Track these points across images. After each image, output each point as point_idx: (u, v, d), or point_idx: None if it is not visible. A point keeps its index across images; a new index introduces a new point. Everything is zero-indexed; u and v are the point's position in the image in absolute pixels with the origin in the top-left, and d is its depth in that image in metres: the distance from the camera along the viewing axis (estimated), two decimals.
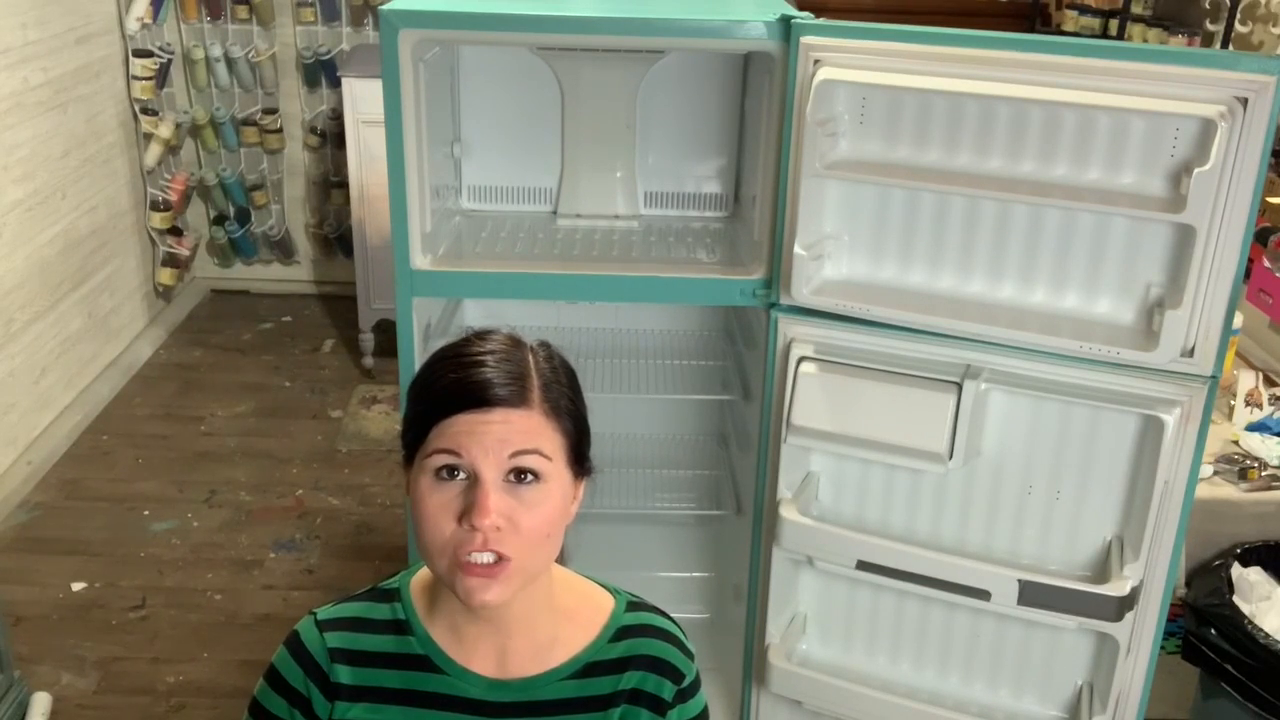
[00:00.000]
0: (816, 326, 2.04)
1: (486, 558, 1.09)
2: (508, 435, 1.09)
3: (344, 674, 1.21)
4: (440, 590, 1.19)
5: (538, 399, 1.12)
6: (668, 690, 1.23)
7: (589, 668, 1.21)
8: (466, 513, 1.08)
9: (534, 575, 1.15)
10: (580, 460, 1.18)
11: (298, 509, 3.66)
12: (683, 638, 1.27)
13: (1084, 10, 4.36)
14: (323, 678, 1.21)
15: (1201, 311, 1.79)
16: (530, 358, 1.15)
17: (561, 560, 1.23)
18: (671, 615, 1.29)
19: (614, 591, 1.28)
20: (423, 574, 1.24)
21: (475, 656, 1.21)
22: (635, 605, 1.27)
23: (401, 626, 1.23)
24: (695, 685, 1.26)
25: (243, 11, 4.70)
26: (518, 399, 1.11)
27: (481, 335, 1.18)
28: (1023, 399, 1.95)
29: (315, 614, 1.24)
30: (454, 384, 1.11)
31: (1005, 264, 1.95)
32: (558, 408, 1.14)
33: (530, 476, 1.10)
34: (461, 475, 1.10)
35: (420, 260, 2.13)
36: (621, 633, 1.24)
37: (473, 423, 1.09)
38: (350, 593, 1.28)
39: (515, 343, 1.17)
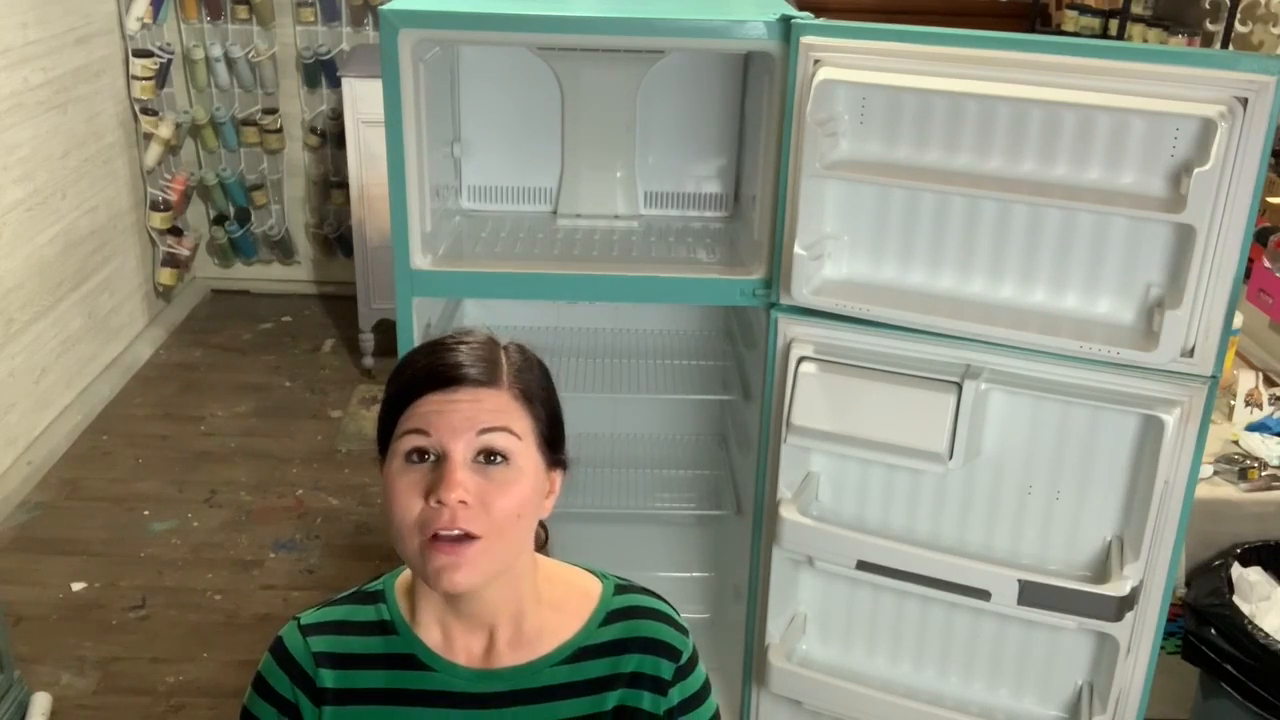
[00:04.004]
0: (816, 326, 2.04)
1: (455, 533, 1.09)
2: (476, 413, 1.10)
3: (329, 678, 1.21)
4: (424, 588, 1.19)
5: (507, 380, 1.14)
6: (666, 669, 1.22)
7: (580, 652, 1.21)
8: (433, 488, 1.08)
9: (504, 561, 1.14)
10: (554, 449, 1.19)
11: (298, 509, 3.66)
12: (675, 615, 1.27)
13: (1084, 10, 4.36)
14: (309, 683, 1.21)
15: (1201, 311, 1.79)
16: (502, 351, 1.18)
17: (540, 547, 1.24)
18: (662, 595, 1.29)
19: (601, 576, 1.28)
20: (407, 574, 1.24)
21: (462, 651, 1.21)
22: (623, 588, 1.27)
23: (386, 627, 1.23)
24: (693, 661, 1.25)
25: (243, 11, 4.70)
26: (487, 377, 1.12)
27: (457, 333, 1.20)
28: (1023, 399, 1.95)
29: (299, 619, 1.24)
30: (424, 367, 1.13)
31: (1005, 264, 1.95)
32: (528, 391, 1.15)
33: (499, 458, 1.11)
34: (431, 457, 1.10)
35: (420, 260, 2.13)
36: (612, 616, 1.23)
37: (441, 401, 1.10)
38: (334, 595, 1.28)
39: (490, 339, 1.19)
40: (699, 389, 2.75)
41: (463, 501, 1.08)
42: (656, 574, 2.88)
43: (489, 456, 1.10)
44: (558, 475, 1.21)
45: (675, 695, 1.23)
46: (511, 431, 1.12)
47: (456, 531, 1.09)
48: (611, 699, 1.20)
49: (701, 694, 1.25)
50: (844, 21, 1.93)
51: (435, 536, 1.09)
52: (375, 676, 1.21)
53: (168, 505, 3.66)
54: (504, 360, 1.15)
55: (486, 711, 1.20)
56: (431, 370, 1.12)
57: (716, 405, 2.86)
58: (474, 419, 1.10)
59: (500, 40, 2.22)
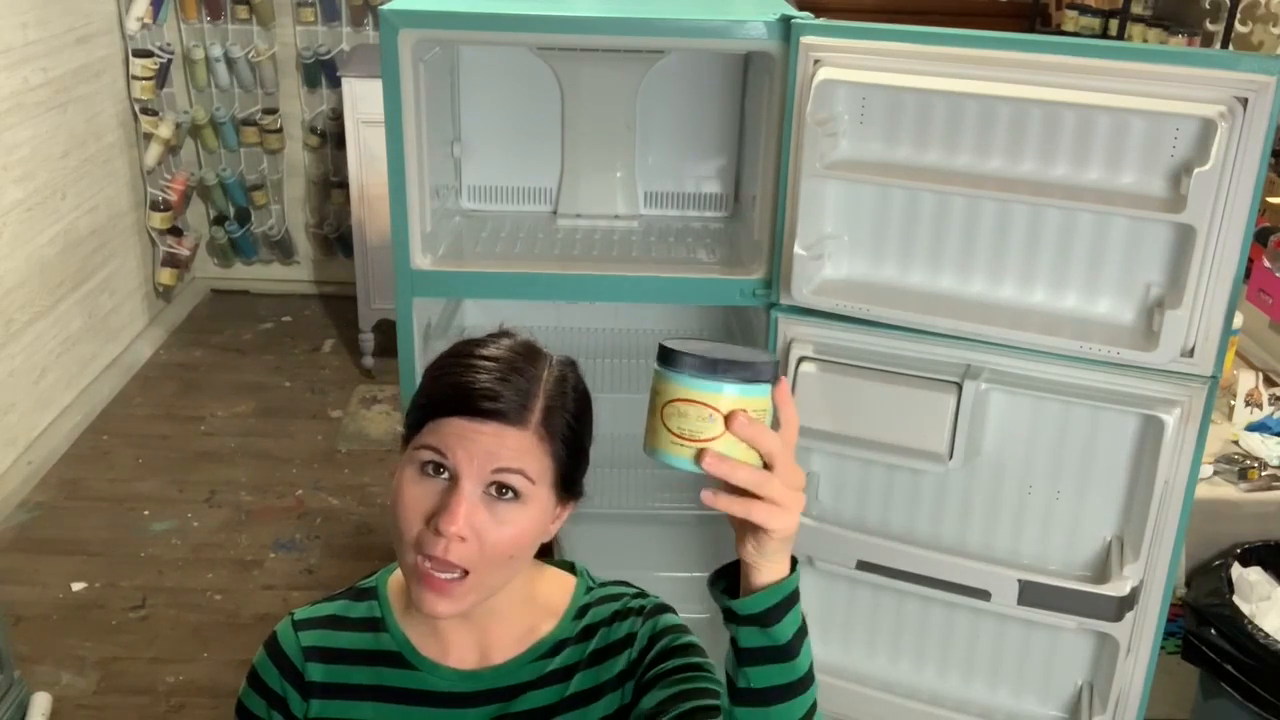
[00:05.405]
0: (816, 326, 2.04)
1: (447, 575, 1.09)
2: (496, 450, 1.08)
3: (317, 672, 1.22)
4: None
5: (535, 420, 1.11)
6: (632, 624, 1.21)
7: (555, 647, 1.22)
8: (436, 514, 1.08)
9: (491, 591, 1.14)
10: (568, 486, 1.16)
11: (298, 509, 3.66)
12: (641, 590, 1.26)
13: (1084, 10, 4.37)
14: (297, 677, 1.22)
15: (1201, 311, 1.79)
16: (543, 375, 1.14)
17: (548, 550, 1.23)
18: (634, 584, 1.28)
19: (579, 574, 1.28)
20: (400, 573, 1.24)
21: (452, 651, 1.21)
22: (595, 585, 1.28)
23: (377, 624, 1.24)
24: (661, 607, 1.24)
25: (243, 11, 4.70)
26: (514, 416, 1.10)
27: (500, 336, 1.16)
28: (1023, 399, 1.95)
29: (293, 614, 1.26)
30: (456, 386, 1.11)
31: (1005, 264, 1.95)
32: (553, 432, 1.12)
33: (509, 493, 1.10)
34: (445, 475, 1.09)
35: (420, 260, 2.13)
36: (582, 611, 1.24)
37: (465, 428, 1.08)
38: (331, 592, 1.29)
39: (531, 355, 1.15)
40: None
41: (460, 537, 1.08)
42: (656, 574, 2.88)
43: (500, 490, 1.10)
44: (570, 505, 1.19)
45: (645, 631, 1.21)
46: (526, 475, 1.10)
47: (449, 575, 1.08)
48: (571, 686, 1.21)
49: (679, 628, 1.22)
50: (844, 21, 1.93)
51: (429, 561, 1.08)
52: (362, 672, 1.22)
53: (168, 505, 3.66)
54: (539, 393, 1.12)
55: (466, 710, 1.20)
56: (461, 392, 1.10)
57: None
58: (492, 455, 1.08)
59: (500, 40, 2.22)
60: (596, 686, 1.20)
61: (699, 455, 0.91)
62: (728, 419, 0.91)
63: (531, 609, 1.23)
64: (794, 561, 0.99)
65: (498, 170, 2.58)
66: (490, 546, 1.09)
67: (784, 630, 0.97)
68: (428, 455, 1.09)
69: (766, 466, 0.93)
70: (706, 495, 0.93)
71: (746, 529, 0.95)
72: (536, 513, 1.13)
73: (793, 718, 1.00)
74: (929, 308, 1.97)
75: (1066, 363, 1.89)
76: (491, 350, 1.14)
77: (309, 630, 1.24)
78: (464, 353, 1.14)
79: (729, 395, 0.91)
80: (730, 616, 0.98)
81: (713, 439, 0.91)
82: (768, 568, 0.97)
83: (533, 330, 1.21)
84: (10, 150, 3.65)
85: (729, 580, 1.00)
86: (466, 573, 1.09)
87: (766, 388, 0.94)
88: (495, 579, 1.13)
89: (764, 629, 0.97)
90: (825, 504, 2.16)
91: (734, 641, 0.98)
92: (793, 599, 0.98)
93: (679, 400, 0.92)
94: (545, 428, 1.12)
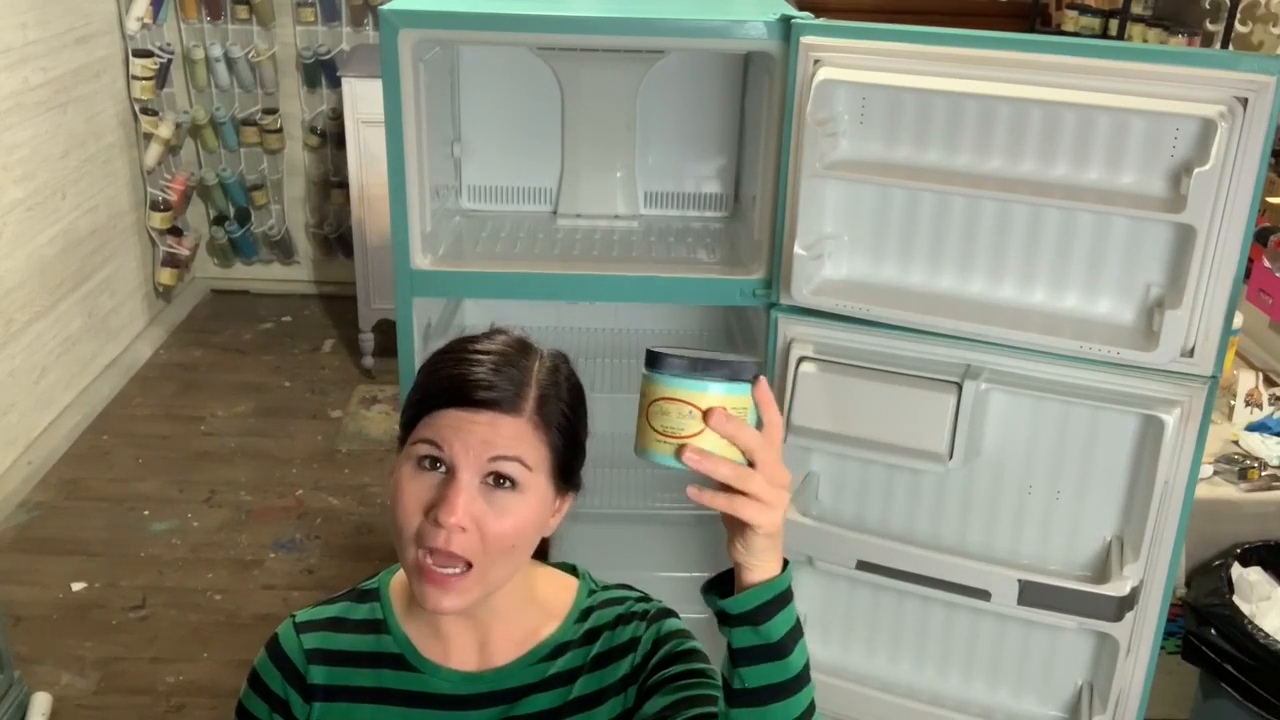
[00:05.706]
0: (816, 326, 2.04)
1: (450, 570, 1.09)
2: (491, 438, 1.09)
3: (319, 674, 1.22)
4: None
5: (530, 408, 1.11)
6: (636, 629, 1.21)
7: (557, 649, 1.22)
8: (435, 506, 1.08)
9: (495, 584, 1.14)
10: (566, 477, 1.17)
11: (298, 509, 3.66)
12: (644, 594, 1.27)
13: (1084, 10, 4.37)
14: (300, 679, 1.22)
15: (1201, 311, 1.79)
16: (535, 366, 1.14)
17: (544, 550, 1.24)
18: (636, 588, 1.28)
19: (581, 576, 1.29)
20: (402, 574, 1.24)
21: (454, 652, 1.21)
22: (597, 588, 1.28)
23: (378, 626, 1.24)
24: (664, 612, 1.24)
25: (243, 11, 4.70)
26: (509, 405, 1.10)
27: (493, 333, 1.17)
28: (1023, 399, 1.95)
29: (294, 616, 1.26)
30: (449, 379, 1.11)
31: (1005, 264, 1.95)
32: (549, 420, 1.13)
33: (507, 483, 1.10)
34: (442, 468, 1.10)
35: (420, 260, 2.13)
36: (585, 614, 1.24)
37: (459, 419, 1.09)
38: (331, 593, 1.29)
39: (523, 348, 1.16)
40: None
41: (461, 527, 1.08)
42: (656, 574, 2.88)
43: (498, 480, 1.10)
44: (569, 497, 1.19)
45: (649, 636, 1.20)
46: (523, 463, 1.10)
47: (452, 570, 1.09)
48: (574, 690, 1.21)
49: (682, 633, 1.22)
50: (844, 21, 1.93)
51: (431, 555, 1.08)
52: (364, 675, 1.22)
53: (168, 505, 3.66)
54: (532, 383, 1.13)
55: (468, 713, 1.20)
56: (454, 385, 1.10)
57: None
58: (488, 444, 1.09)
59: (500, 40, 2.22)
60: (600, 691, 1.20)
61: (680, 451, 0.94)
62: (707, 415, 0.93)
63: (533, 610, 1.22)
64: (785, 563, 0.99)
65: (498, 170, 2.58)
66: (491, 538, 1.09)
67: (775, 629, 0.98)
68: (424, 449, 1.10)
69: (751, 464, 0.95)
70: (692, 491, 0.94)
71: (735, 528, 0.97)
72: (535, 502, 1.13)
73: (788, 718, 1.00)
74: (929, 308, 1.96)
75: (1066, 363, 1.89)
76: (484, 344, 1.15)
77: (311, 632, 1.24)
78: (457, 348, 1.15)
79: (709, 393, 0.94)
80: (723, 619, 0.99)
81: (694, 435, 0.94)
82: (758, 567, 0.97)
83: (532, 330, 1.21)
84: (10, 150, 3.66)
85: (723, 589, 1.01)
86: (469, 566, 1.09)
87: (747, 387, 0.96)
88: (498, 571, 1.13)
89: (755, 628, 0.97)
90: (825, 504, 2.16)
91: (728, 643, 0.99)
92: (784, 598, 0.98)
93: (662, 399, 0.95)
94: (540, 415, 1.12)
